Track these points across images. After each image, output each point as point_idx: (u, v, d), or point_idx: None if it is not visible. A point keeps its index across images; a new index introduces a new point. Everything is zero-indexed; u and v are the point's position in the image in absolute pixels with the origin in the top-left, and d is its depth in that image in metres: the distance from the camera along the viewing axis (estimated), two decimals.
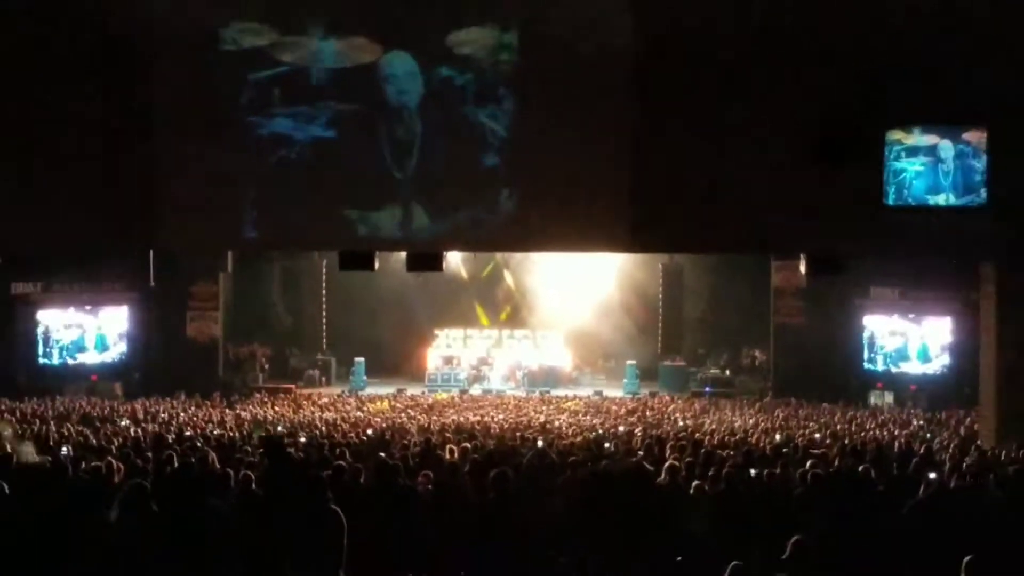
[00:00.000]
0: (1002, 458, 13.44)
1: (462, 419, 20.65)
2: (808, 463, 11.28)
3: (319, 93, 14.87)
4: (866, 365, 29.04)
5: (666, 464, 10.62)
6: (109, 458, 10.77)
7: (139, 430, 17.39)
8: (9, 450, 11.67)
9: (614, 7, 14.19)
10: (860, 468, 10.89)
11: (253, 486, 9.42)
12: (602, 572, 8.47)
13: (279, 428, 18.25)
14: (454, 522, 9.05)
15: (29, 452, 11.88)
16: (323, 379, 31.98)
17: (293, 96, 14.91)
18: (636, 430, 17.78)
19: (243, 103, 14.89)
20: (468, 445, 13.19)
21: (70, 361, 29.15)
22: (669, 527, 8.97)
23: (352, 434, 16.53)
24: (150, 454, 12.46)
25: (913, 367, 28.48)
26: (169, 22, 14.52)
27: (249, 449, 13.03)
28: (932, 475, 10.46)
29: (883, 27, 14.09)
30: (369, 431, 17.38)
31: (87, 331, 29.35)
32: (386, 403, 25.22)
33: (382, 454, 11.84)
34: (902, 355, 28.66)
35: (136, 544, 7.49)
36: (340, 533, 7.82)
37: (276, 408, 23.32)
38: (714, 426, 19.58)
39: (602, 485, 9.66)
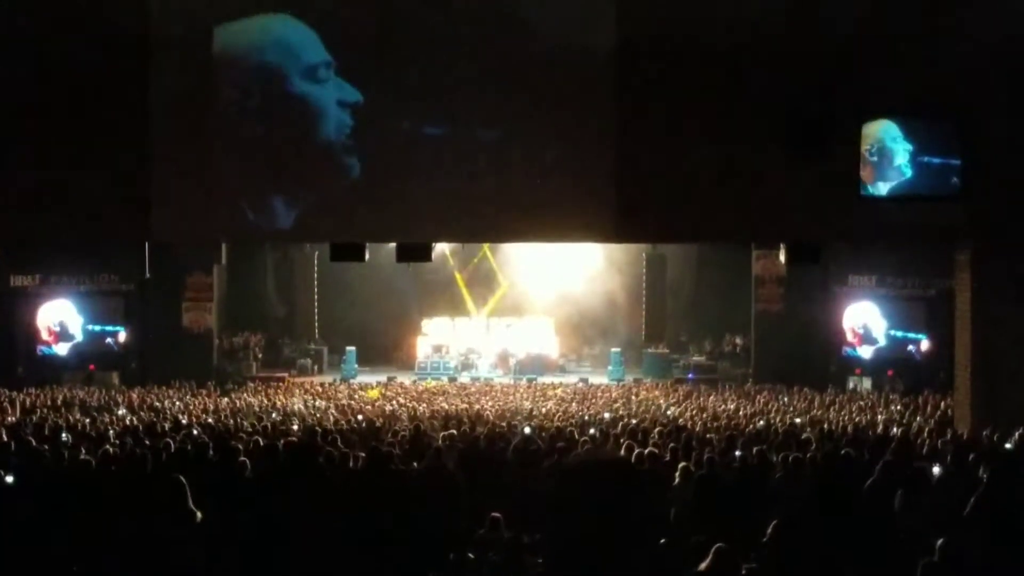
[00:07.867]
0: (983, 442, 13.41)
1: (450, 407, 20.59)
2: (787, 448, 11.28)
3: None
4: (846, 350, 28.99)
5: (646, 450, 10.62)
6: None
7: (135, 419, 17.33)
8: None
9: (596, 7, 14.25)
10: (840, 453, 10.90)
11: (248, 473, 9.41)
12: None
13: (272, 415, 18.18)
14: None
15: None
16: (315, 367, 31.88)
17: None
18: (620, 416, 17.75)
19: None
20: (455, 432, 13.20)
21: (67, 351, 29.04)
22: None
23: (343, 421, 16.50)
24: (148, 441, 12.44)
25: (890, 352, 28.45)
26: (167, 20, 14.52)
27: (244, 436, 12.99)
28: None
29: (856, 22, 14.13)
30: (360, 417, 17.37)
31: (84, 322, 29.25)
32: (377, 391, 25.12)
33: (373, 443, 11.84)
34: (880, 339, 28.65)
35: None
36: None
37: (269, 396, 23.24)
38: (696, 412, 19.55)
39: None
